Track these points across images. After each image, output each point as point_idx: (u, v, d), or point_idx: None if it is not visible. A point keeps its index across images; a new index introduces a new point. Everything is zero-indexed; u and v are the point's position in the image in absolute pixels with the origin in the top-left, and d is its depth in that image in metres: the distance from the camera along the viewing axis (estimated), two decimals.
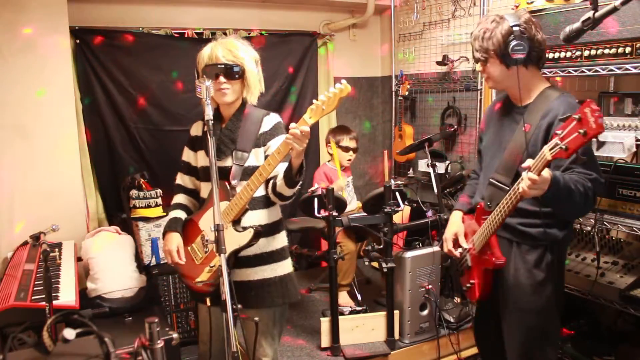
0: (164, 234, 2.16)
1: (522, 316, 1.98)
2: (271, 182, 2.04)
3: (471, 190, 2.27)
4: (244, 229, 1.96)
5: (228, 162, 2.05)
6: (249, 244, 1.96)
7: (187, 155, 2.23)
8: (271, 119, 2.11)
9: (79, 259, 2.77)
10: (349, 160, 3.52)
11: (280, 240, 2.16)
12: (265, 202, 2.10)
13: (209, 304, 1.95)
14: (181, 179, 2.27)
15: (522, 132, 1.89)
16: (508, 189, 1.86)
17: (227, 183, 2.02)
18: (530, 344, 2.00)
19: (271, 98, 3.89)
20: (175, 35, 3.52)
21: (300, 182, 1.95)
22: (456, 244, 2.15)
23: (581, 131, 1.43)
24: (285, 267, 2.15)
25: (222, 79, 1.98)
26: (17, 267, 2.47)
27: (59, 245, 2.84)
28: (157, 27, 3.51)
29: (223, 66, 1.98)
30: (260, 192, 2.03)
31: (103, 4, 3.38)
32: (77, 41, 3.23)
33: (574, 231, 2.79)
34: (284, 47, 3.98)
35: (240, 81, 2.03)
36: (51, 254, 2.44)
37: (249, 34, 3.83)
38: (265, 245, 2.08)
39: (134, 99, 3.46)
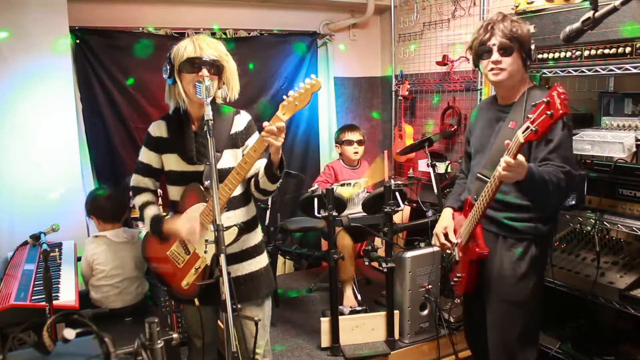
0: (163, 232, 2.04)
1: (505, 308, 2.04)
2: (253, 179, 2.03)
3: (460, 189, 2.32)
4: (227, 227, 1.93)
5: (202, 165, 2.00)
6: (233, 242, 1.97)
7: (148, 157, 2.10)
8: (243, 118, 2.09)
9: (79, 259, 2.76)
10: (356, 152, 3.53)
11: (260, 234, 2.22)
12: (243, 200, 2.09)
13: (197, 303, 1.95)
14: (140, 180, 2.14)
15: (508, 129, 1.96)
16: None
17: (200, 185, 1.99)
18: (511, 337, 2.04)
19: (271, 98, 3.89)
20: (175, 35, 3.52)
21: (281, 177, 1.96)
22: (446, 239, 2.21)
23: (548, 113, 1.52)
24: (265, 258, 2.22)
25: (205, 72, 1.89)
26: (17, 267, 2.47)
27: (59, 245, 2.84)
28: (157, 27, 3.51)
29: (210, 60, 1.91)
30: (237, 190, 2.00)
31: (103, 4, 3.37)
32: (77, 41, 3.23)
33: (573, 231, 2.79)
34: (284, 47, 3.98)
35: (218, 79, 1.97)
36: (51, 254, 2.43)
37: (249, 34, 3.83)
38: (248, 240, 2.12)
39: (134, 99, 3.45)
